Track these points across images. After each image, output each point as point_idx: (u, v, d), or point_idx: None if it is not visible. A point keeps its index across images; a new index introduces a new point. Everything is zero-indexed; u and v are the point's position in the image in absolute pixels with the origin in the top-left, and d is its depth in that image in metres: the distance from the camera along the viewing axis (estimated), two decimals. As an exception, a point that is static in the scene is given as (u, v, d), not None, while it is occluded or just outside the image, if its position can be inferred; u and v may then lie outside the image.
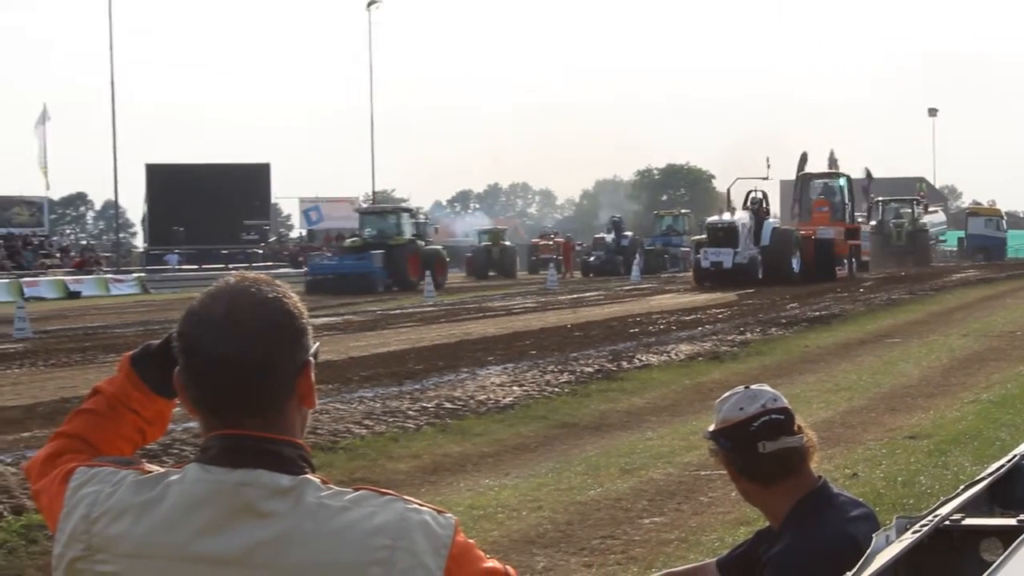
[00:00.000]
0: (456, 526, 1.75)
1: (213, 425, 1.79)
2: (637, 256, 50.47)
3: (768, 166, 43.17)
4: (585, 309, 28.62)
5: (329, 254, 48.76)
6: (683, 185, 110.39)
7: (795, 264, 38.89)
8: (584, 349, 17.28)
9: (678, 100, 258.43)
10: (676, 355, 16.43)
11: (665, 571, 3.73)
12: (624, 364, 15.35)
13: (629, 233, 58.34)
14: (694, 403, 12.34)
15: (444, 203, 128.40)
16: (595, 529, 7.28)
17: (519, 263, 60.98)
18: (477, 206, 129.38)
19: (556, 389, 13.27)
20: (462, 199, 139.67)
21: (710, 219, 42.17)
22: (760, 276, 37.78)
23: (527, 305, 31.29)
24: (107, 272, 56.31)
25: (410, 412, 11.47)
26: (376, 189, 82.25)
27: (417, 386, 13.37)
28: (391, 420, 10.98)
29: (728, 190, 43.93)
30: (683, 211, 68.00)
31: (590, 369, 14.86)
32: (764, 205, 40.75)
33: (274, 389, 1.77)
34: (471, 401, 12.31)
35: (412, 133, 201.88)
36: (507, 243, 60.83)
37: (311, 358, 1.80)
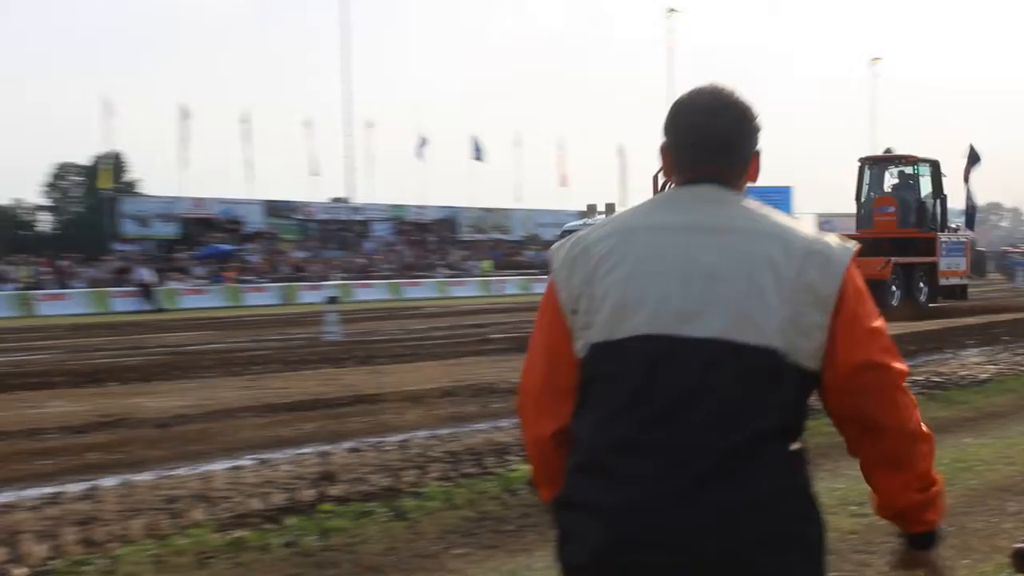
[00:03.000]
0: (855, 254, 2.23)
1: (688, 173, 2.31)
2: None
3: None
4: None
5: None
6: None
7: None
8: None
9: None
10: None
11: None
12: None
13: None
14: None
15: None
16: (1061, 482, 8.23)
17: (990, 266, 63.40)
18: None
19: (1024, 368, 15.14)
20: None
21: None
22: None
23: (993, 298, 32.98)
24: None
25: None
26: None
27: (911, 362, 14.88)
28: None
29: None
30: None
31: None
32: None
33: (740, 159, 2.30)
34: (954, 376, 13.98)
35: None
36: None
37: (759, 150, 2.33)
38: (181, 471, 8.88)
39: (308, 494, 7.75)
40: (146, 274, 44.50)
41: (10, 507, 7.69)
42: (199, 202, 59.55)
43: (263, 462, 9.06)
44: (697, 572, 2.07)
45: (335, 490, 7.82)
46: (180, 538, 6.73)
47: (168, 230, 57.97)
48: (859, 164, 27.31)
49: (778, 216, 2.24)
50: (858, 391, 2.15)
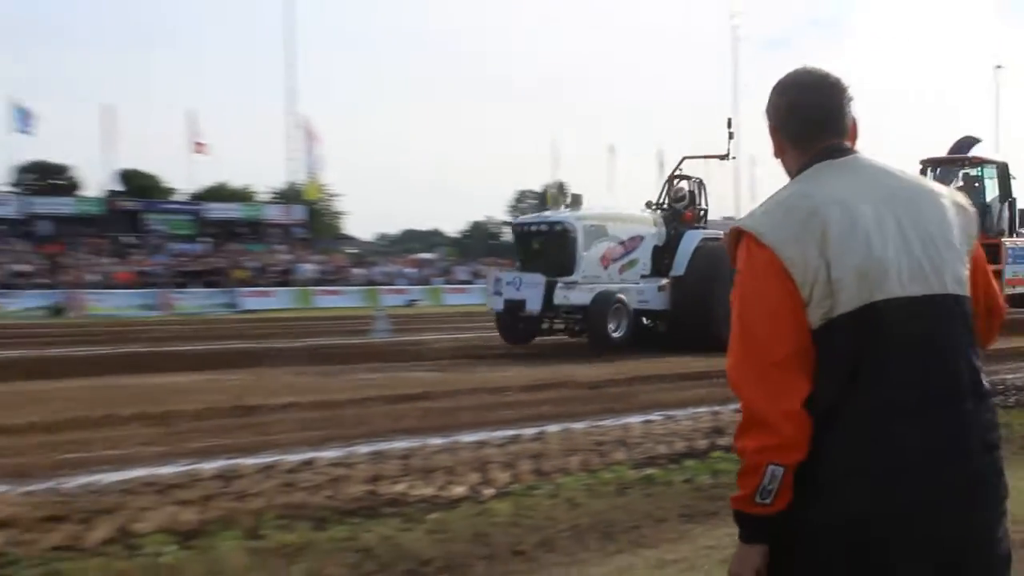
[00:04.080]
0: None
1: (811, 146, 2.46)
2: None
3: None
4: None
5: None
6: None
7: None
8: None
9: None
10: None
11: None
12: None
13: None
14: None
15: None
16: None
17: None
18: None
19: None
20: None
21: (518, 219, 23.85)
22: (667, 330, 18.95)
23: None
24: None
25: None
26: None
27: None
28: None
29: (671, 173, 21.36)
30: None
31: None
32: (693, 204, 19.99)
33: (846, 127, 2.48)
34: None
35: None
36: None
37: (856, 116, 2.49)
38: (607, 422, 10.28)
39: (702, 443, 8.92)
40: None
41: (481, 444, 8.97)
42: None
43: (668, 417, 10.48)
44: (968, 504, 2.22)
45: (722, 441, 8.84)
46: (605, 472, 7.83)
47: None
48: (920, 166, 23.67)
49: (910, 172, 2.49)
50: (988, 313, 2.51)
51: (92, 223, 52.13)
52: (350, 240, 76.98)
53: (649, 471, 7.84)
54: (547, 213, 20.23)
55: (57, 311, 38.54)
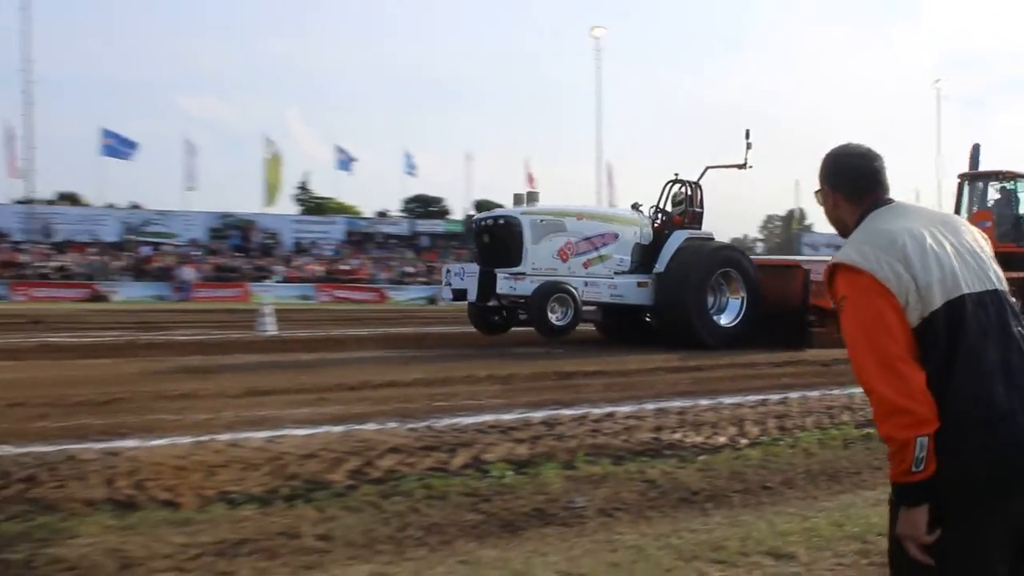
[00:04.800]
0: None
1: (863, 199, 2.50)
2: None
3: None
4: None
5: None
6: None
7: (730, 303, 15.93)
8: None
9: None
10: None
11: None
12: None
13: None
14: None
15: None
16: None
17: None
18: None
19: None
20: None
21: (474, 215, 20.01)
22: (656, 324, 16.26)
23: None
24: None
25: None
26: None
27: None
28: None
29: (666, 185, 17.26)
30: None
31: None
32: (689, 206, 16.62)
33: (885, 179, 2.53)
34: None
35: None
36: None
37: None
38: (835, 392, 9.92)
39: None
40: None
41: (738, 405, 8.89)
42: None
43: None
44: None
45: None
46: (833, 430, 7.75)
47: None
48: (959, 180, 19.54)
49: (936, 208, 2.68)
50: None
51: (456, 237, 54.25)
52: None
53: (868, 430, 7.59)
54: (498, 209, 17.29)
55: (431, 300, 40.18)
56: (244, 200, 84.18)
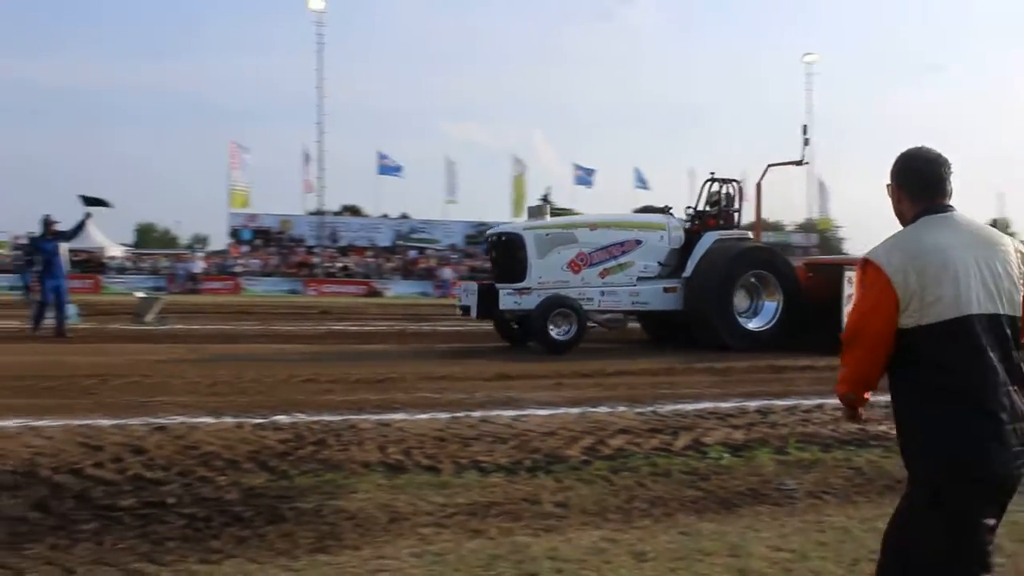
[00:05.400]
0: None
1: (922, 201, 2.52)
2: None
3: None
4: None
5: None
6: None
7: (765, 306, 13.82)
8: None
9: None
10: None
11: None
12: None
13: None
14: None
15: None
16: None
17: None
18: None
19: None
20: None
21: (489, 231, 15.04)
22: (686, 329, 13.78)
23: None
24: None
25: None
26: None
27: None
28: None
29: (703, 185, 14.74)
30: None
31: None
32: (725, 206, 14.51)
33: (949, 187, 2.54)
34: None
35: None
36: None
37: None
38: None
39: None
40: None
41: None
42: None
43: None
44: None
45: None
46: None
47: None
48: None
49: (987, 226, 2.57)
50: None
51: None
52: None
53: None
54: (503, 224, 15.64)
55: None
56: (496, 211, 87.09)
